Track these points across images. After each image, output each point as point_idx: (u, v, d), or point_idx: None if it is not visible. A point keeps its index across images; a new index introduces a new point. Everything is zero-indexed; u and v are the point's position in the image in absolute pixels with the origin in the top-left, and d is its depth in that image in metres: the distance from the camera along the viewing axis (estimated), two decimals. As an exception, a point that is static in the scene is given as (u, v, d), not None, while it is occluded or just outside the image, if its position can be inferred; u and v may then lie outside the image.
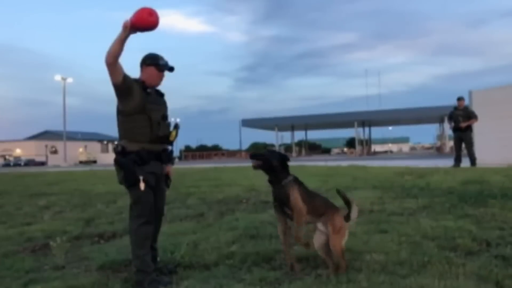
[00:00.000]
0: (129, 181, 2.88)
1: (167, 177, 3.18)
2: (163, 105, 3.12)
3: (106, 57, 2.74)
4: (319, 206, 3.00)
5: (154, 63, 3.03)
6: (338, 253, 2.88)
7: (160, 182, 3.06)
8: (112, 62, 2.75)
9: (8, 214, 6.43)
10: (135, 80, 2.98)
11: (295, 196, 2.91)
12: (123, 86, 2.87)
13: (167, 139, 3.03)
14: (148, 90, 3.00)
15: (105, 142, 77.79)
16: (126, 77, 2.88)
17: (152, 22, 2.78)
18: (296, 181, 3.02)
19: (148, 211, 2.93)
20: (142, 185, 2.86)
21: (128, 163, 2.87)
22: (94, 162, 58.55)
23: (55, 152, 66.85)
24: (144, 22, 2.74)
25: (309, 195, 3.00)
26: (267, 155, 3.00)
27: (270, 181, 3.04)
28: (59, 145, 62.62)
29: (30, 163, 58.21)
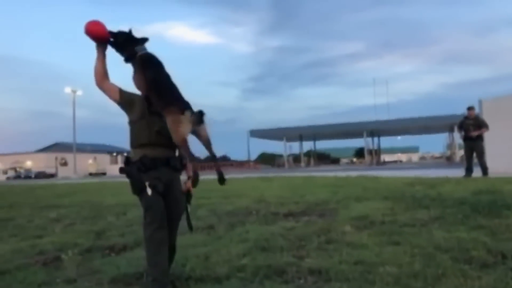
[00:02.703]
0: (136, 188, 2.90)
1: (188, 194, 3.16)
2: None
3: (94, 79, 2.91)
4: (164, 94, 2.83)
5: None
6: (180, 146, 2.82)
7: (172, 190, 3.01)
8: (100, 81, 2.91)
9: (20, 226, 6.46)
10: (139, 95, 3.03)
11: (136, 74, 2.86)
12: (123, 101, 2.96)
13: (169, 142, 3.00)
14: (138, 99, 3.03)
15: (114, 154, 78.30)
16: (122, 92, 2.95)
17: (102, 31, 2.88)
18: (143, 57, 2.87)
19: (160, 217, 2.89)
20: (148, 190, 2.85)
21: (132, 171, 2.89)
22: (104, 174, 58.86)
23: (65, 164, 67.36)
24: (96, 33, 2.86)
25: (156, 79, 2.84)
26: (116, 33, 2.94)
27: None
28: (69, 157, 63.15)
29: (40, 175, 58.74)
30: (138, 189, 2.89)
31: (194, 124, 2.81)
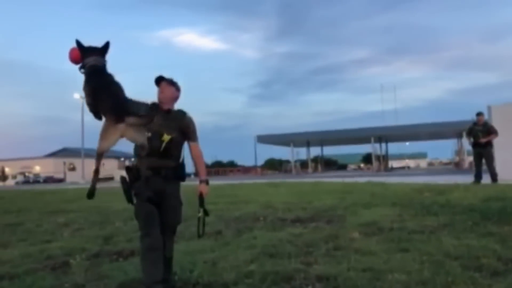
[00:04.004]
0: (127, 198, 3.05)
1: (200, 198, 3.16)
2: (167, 120, 3.11)
3: None
4: (102, 102, 2.85)
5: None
6: (97, 154, 2.81)
7: (165, 199, 3.05)
8: None
9: (29, 231, 6.50)
10: (146, 105, 3.10)
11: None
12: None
13: (163, 152, 3.02)
14: (147, 107, 3.09)
15: (122, 159, 78.61)
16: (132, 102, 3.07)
17: (76, 54, 2.97)
18: (88, 68, 2.90)
19: (144, 224, 2.97)
20: (134, 199, 3.00)
21: (123, 181, 3.04)
22: (111, 179, 59.03)
23: (73, 169, 67.73)
24: (75, 58, 2.96)
25: (96, 87, 2.86)
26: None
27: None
28: (77, 162, 63.50)
29: (48, 180, 59.09)
30: (128, 199, 3.04)
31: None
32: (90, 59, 2.91)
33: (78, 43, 2.92)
